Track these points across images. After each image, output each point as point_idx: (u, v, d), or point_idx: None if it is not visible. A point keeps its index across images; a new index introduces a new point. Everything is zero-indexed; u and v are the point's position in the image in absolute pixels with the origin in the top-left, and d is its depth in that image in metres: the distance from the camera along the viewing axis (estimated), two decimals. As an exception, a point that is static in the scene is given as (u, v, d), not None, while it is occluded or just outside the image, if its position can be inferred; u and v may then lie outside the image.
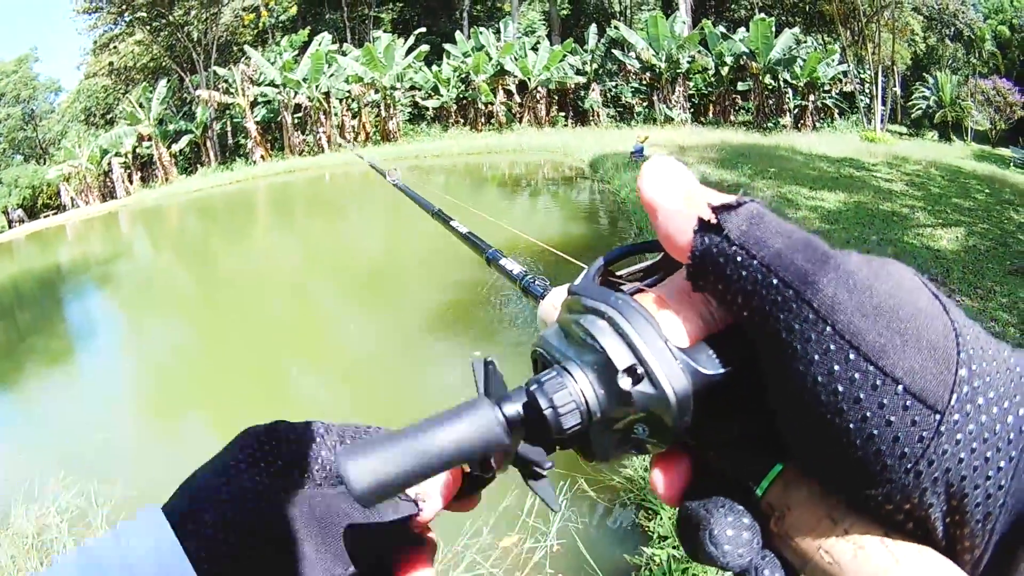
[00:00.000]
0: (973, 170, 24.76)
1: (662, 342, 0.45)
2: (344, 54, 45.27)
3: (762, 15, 40.87)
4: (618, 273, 0.58)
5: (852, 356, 0.37)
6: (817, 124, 41.79)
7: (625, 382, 0.44)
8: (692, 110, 43.89)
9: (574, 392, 0.47)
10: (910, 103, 44.28)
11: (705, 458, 0.49)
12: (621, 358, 0.45)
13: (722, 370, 0.44)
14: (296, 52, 44.88)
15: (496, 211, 21.18)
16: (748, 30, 40.18)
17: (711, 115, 43.95)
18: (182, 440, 8.54)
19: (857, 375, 0.36)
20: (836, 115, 43.37)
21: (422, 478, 0.45)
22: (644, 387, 0.44)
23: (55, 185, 48.86)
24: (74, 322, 16.81)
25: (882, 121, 38.43)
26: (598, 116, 45.61)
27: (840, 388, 0.37)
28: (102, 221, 36.77)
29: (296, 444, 0.60)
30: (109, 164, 46.20)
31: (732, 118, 42.91)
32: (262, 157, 44.69)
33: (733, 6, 50.15)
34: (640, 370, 0.44)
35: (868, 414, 0.36)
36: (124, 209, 39.44)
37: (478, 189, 27.44)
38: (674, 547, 4.70)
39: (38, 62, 75.92)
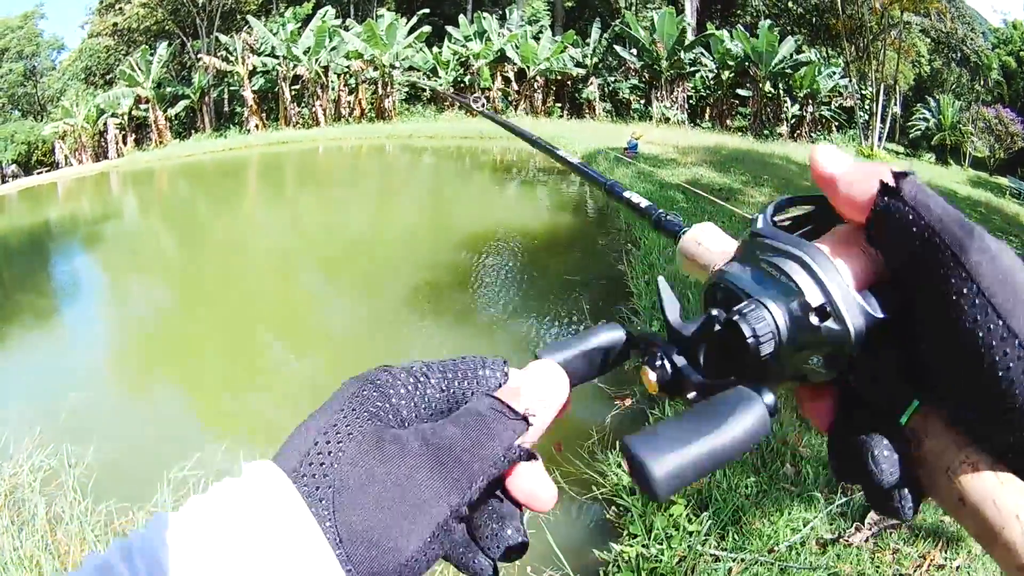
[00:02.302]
0: (967, 195, 24.90)
1: (846, 286, 0.52)
2: (347, 29, 45.21)
3: (769, 21, 40.94)
4: (776, 219, 0.63)
5: (989, 311, 0.44)
6: (814, 135, 41.86)
7: (815, 318, 0.52)
8: (689, 111, 43.90)
9: (770, 323, 0.54)
10: (909, 123, 44.44)
11: (859, 391, 0.56)
12: (814, 296, 0.53)
13: (884, 315, 0.52)
14: (299, 24, 44.82)
15: (489, 196, 21.16)
16: (752, 35, 40.25)
17: (708, 118, 44.02)
18: (158, 403, 8.52)
19: (991, 326, 0.44)
20: (834, 128, 43.44)
21: (709, 473, 0.53)
22: (832, 324, 0.52)
23: (50, 142, 48.73)
24: (57, 280, 16.73)
25: (880, 138, 38.52)
26: (594, 110, 45.59)
27: (980, 334, 0.44)
28: (93, 180, 36.64)
29: (403, 385, 0.62)
30: (105, 124, 46.04)
31: (729, 122, 42.93)
32: (257, 126, 44.55)
33: (739, 11, 50.14)
34: (829, 308, 0.52)
35: (997, 359, 0.44)
36: (115, 170, 39.31)
37: (468, 173, 27.41)
38: (643, 545, 4.65)
39: (44, 19, 75.77)
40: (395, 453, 0.54)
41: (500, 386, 0.65)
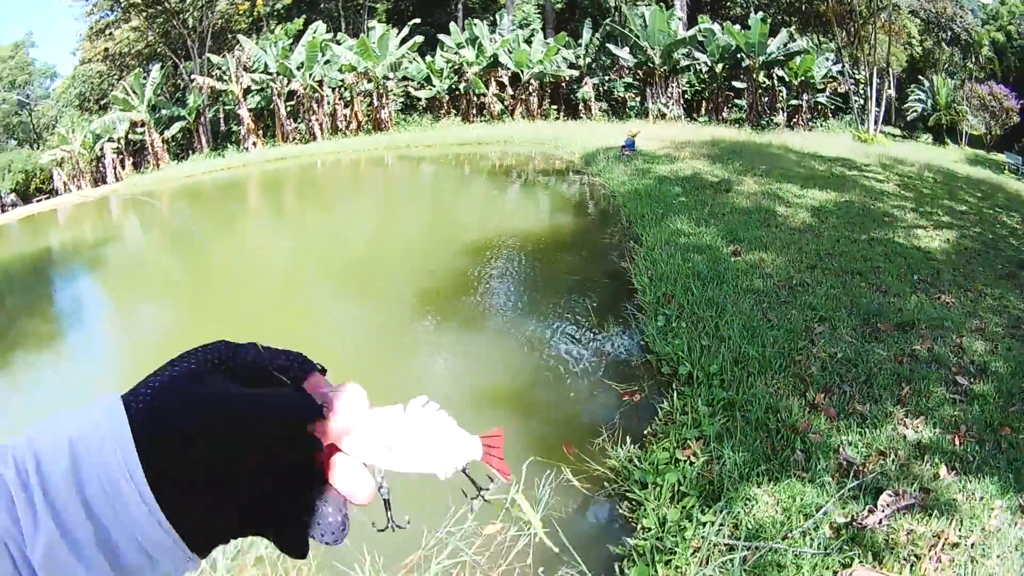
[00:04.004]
0: (967, 174, 24.86)
1: None
2: (339, 43, 45.20)
3: (759, 13, 40.95)
4: None
5: None
6: (811, 123, 41.92)
7: None
8: (685, 106, 43.86)
9: None
10: (905, 105, 44.50)
11: None
12: None
13: None
14: (291, 41, 44.91)
15: (491, 201, 21.18)
16: (743, 28, 40.26)
17: (704, 112, 44.00)
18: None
19: None
20: (830, 115, 43.49)
21: None
22: None
23: (48, 170, 48.85)
24: (62, 306, 16.71)
25: (876, 122, 38.55)
26: (590, 110, 45.54)
27: None
28: (94, 206, 36.63)
29: (244, 359, 0.72)
30: (102, 149, 46.12)
31: (725, 115, 42.95)
32: (254, 144, 44.53)
33: (729, 3, 50.16)
34: None
35: None
36: (115, 194, 39.29)
37: (469, 180, 27.41)
38: (657, 538, 4.66)
39: (34, 47, 76.06)
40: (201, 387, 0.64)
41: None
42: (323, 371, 0.79)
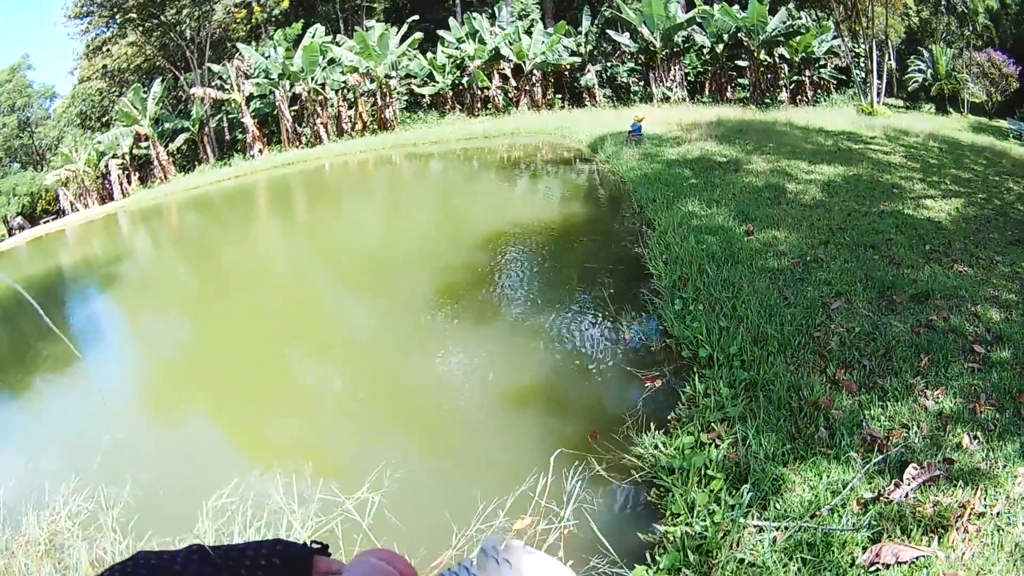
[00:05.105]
0: (971, 142, 24.77)
1: None
2: (338, 44, 45.25)
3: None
4: None
5: None
6: (815, 99, 41.90)
7: None
8: (689, 88, 43.79)
9: None
10: (906, 76, 44.32)
11: None
12: None
13: None
14: (290, 45, 44.95)
15: (501, 194, 21.18)
16: (743, 9, 40.19)
17: (708, 93, 43.93)
18: (188, 439, 8.52)
19: None
20: (833, 89, 43.45)
21: None
22: None
23: (53, 190, 48.99)
24: (77, 325, 16.71)
25: (879, 94, 38.43)
26: (595, 97, 45.53)
27: None
28: (102, 223, 36.64)
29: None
30: (106, 166, 46.21)
31: (729, 95, 42.88)
32: (260, 151, 44.57)
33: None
34: None
35: None
36: (123, 210, 39.32)
37: (478, 174, 27.40)
38: (687, 523, 4.69)
39: (31, 69, 76.19)
40: None
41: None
42: (322, 548, 0.81)
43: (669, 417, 6.29)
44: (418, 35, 44.36)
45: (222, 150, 48.22)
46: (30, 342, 15.18)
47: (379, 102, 44.58)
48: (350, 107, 46.03)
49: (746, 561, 4.18)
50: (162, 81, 46.82)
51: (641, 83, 45.05)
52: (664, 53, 42.32)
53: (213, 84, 46.92)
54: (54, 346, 13.93)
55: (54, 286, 22.36)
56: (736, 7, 40.80)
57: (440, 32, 46.47)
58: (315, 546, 0.81)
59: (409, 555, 4.92)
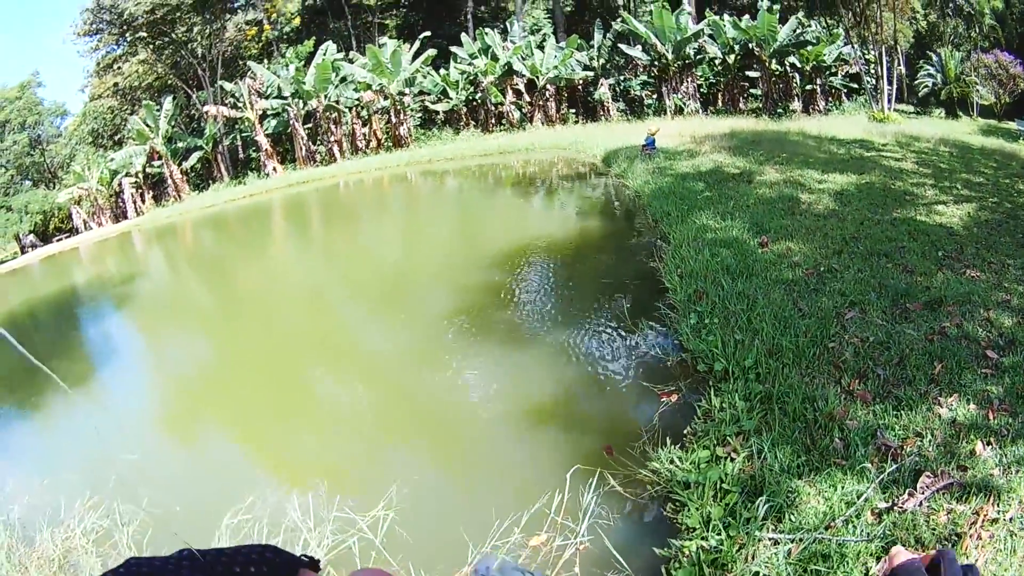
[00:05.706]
0: (981, 145, 24.72)
1: None
2: (351, 62, 45.42)
3: (766, 2, 40.94)
4: None
5: None
6: (826, 107, 41.92)
7: None
8: (702, 100, 43.87)
9: None
10: (916, 81, 44.37)
11: None
12: None
13: None
14: (302, 63, 45.10)
15: (517, 210, 21.22)
16: (753, 18, 40.27)
17: (720, 104, 44.06)
18: (205, 456, 8.55)
19: None
20: (844, 97, 43.47)
21: None
22: None
23: (66, 208, 49.18)
24: (91, 344, 16.75)
25: (889, 101, 38.39)
26: (608, 111, 45.61)
27: None
28: (116, 241, 36.77)
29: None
30: (120, 185, 46.40)
31: (742, 106, 43.00)
32: (275, 169, 44.70)
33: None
34: None
35: None
36: (137, 228, 39.47)
37: (494, 190, 27.43)
38: (702, 538, 4.72)
39: (41, 87, 76.48)
40: None
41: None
42: (313, 563, 0.83)
43: (685, 431, 6.31)
44: (431, 51, 44.51)
45: (236, 168, 48.40)
46: (43, 360, 15.22)
47: (393, 119, 44.77)
48: (364, 124, 46.20)
49: (761, 574, 4.21)
50: (174, 99, 47.02)
51: (654, 96, 45.09)
52: (676, 65, 42.44)
53: (226, 102, 47.10)
54: (71, 365, 14.01)
55: (68, 304, 22.42)
56: (746, 17, 40.88)
57: (453, 48, 46.62)
58: (304, 558, 0.86)
59: (425, 573, 4.97)
